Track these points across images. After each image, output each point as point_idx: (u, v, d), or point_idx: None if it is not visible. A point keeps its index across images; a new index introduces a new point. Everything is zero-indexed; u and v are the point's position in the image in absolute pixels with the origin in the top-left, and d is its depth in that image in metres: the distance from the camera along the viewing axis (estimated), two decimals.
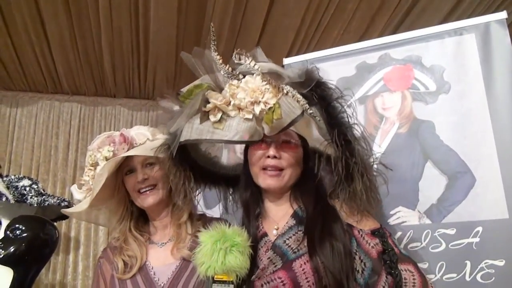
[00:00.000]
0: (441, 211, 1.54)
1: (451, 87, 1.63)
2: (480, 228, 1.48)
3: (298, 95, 1.08)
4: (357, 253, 1.13)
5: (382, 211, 1.56)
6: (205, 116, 1.16)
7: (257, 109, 1.10)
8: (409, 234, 1.56)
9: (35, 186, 2.12)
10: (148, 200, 1.40)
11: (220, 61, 1.16)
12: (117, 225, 1.46)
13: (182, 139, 1.15)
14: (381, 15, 2.99)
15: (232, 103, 1.13)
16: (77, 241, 3.72)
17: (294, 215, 1.25)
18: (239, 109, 1.13)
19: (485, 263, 1.45)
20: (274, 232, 1.25)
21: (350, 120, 1.14)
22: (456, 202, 1.53)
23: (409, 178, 1.60)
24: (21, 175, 2.19)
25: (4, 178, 2.11)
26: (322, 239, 1.12)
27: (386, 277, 1.10)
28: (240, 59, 1.13)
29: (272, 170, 1.22)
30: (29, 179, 2.16)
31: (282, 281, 1.11)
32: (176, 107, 1.23)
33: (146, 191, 1.40)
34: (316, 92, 1.10)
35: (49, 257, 1.82)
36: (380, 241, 1.15)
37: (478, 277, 1.45)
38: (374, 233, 1.17)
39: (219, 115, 1.15)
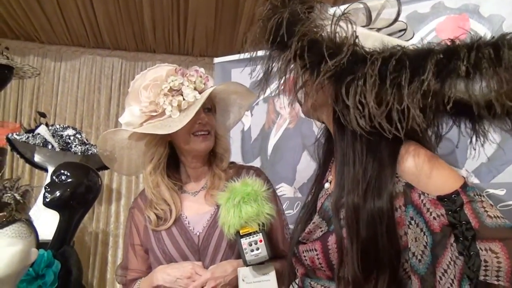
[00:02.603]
0: (491, 170, 1.46)
1: None
2: None
3: None
4: (414, 224, 0.85)
5: None
6: None
7: None
8: None
9: (79, 136, 2.18)
10: (203, 144, 1.35)
11: None
12: (151, 171, 1.38)
13: None
14: None
15: None
16: (118, 192, 3.86)
17: None
18: None
19: None
20: (326, 185, 1.09)
21: None
22: (508, 161, 1.44)
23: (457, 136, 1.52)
24: (66, 125, 2.26)
25: (50, 127, 2.19)
26: (355, 217, 0.88)
27: (457, 257, 0.78)
28: None
29: None
30: (73, 128, 2.23)
31: (317, 254, 0.99)
32: None
33: (202, 134, 1.35)
34: None
35: (92, 202, 1.88)
36: (447, 212, 0.81)
37: None
38: (442, 199, 0.83)
39: None
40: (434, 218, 0.82)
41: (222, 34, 3.74)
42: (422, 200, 0.85)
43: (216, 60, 2.36)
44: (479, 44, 0.76)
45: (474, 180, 1.48)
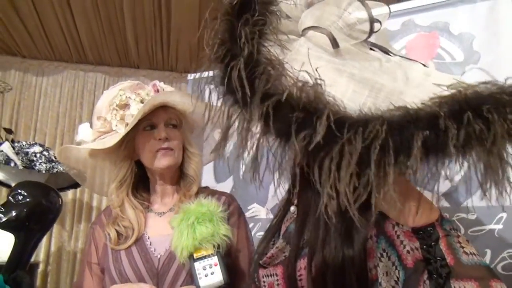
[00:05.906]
0: (462, 194, 1.40)
1: (481, 57, 1.45)
2: (504, 214, 1.34)
3: None
4: (386, 257, 0.78)
5: None
6: None
7: None
8: None
9: (46, 153, 2.12)
10: (164, 160, 1.30)
11: None
12: (115, 189, 1.34)
13: None
14: None
15: None
16: (98, 210, 3.78)
17: None
18: None
19: (507, 252, 1.31)
20: (292, 208, 1.01)
21: None
22: (478, 185, 1.39)
23: None
24: (33, 142, 2.21)
25: (16, 144, 2.13)
26: (321, 274, 0.79)
27: None
28: None
29: None
30: (41, 145, 2.17)
31: (277, 280, 0.92)
32: None
33: (163, 150, 1.30)
34: None
35: (52, 223, 1.81)
36: (422, 245, 0.75)
37: (499, 268, 1.31)
38: (417, 232, 0.76)
39: None
40: (408, 251, 0.74)
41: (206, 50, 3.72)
42: (396, 232, 0.77)
43: (190, 76, 2.30)
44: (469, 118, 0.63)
45: (444, 203, 1.42)
